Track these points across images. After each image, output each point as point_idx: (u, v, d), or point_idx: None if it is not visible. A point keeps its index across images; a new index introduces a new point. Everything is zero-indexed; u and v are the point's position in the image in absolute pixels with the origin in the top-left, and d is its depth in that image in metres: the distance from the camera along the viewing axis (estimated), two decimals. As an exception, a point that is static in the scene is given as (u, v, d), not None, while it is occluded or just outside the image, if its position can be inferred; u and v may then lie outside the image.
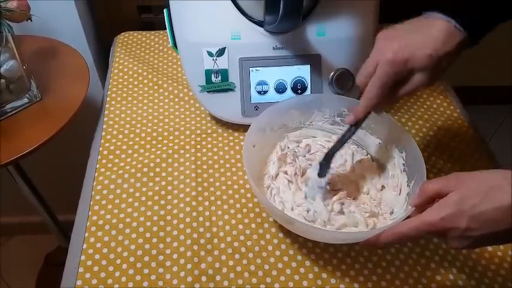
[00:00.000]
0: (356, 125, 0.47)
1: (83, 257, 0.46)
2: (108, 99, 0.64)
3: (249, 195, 0.52)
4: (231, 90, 0.57)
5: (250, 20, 0.55)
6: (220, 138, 0.59)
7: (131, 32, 0.76)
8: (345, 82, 0.57)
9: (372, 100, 0.43)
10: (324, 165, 0.48)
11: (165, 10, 0.58)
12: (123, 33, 0.76)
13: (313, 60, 0.57)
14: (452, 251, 0.48)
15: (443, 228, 0.35)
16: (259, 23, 0.55)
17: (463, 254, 0.48)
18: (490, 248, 0.48)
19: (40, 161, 0.92)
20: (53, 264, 1.11)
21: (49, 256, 1.11)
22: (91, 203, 0.51)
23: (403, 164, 0.50)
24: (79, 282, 0.44)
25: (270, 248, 0.47)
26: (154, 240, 0.47)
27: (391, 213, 0.47)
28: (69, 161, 0.89)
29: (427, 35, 0.41)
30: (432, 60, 0.40)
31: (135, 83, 0.66)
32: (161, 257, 0.46)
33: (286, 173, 0.50)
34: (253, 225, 0.49)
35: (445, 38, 0.40)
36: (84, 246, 0.47)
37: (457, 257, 0.47)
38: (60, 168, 0.97)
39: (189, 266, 0.45)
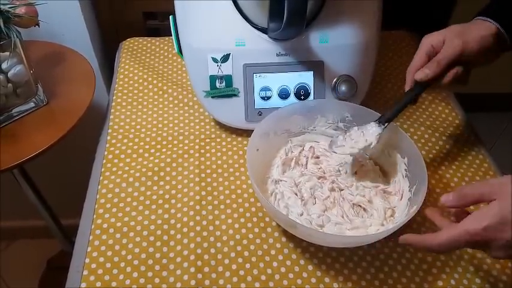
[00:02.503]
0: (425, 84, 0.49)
1: (87, 260, 0.46)
2: (113, 104, 0.65)
3: (252, 199, 0.53)
4: (235, 95, 0.58)
5: (254, 27, 0.56)
6: (224, 143, 0.60)
7: (137, 38, 0.77)
8: (347, 88, 0.58)
9: (440, 66, 0.47)
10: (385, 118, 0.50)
11: (170, 17, 0.60)
12: (128, 39, 0.77)
13: (316, 66, 0.58)
14: (454, 256, 0.48)
15: (486, 238, 0.34)
16: (263, 30, 0.56)
17: (464, 260, 0.48)
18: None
19: (45, 165, 0.92)
20: (55, 268, 1.11)
21: (51, 260, 1.11)
22: (96, 206, 0.51)
23: (405, 169, 0.50)
24: (83, 285, 0.44)
25: (272, 252, 0.48)
26: (158, 243, 0.48)
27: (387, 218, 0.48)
28: (73, 165, 0.90)
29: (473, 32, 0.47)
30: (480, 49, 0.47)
31: (140, 88, 0.67)
32: (165, 260, 0.46)
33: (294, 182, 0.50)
34: (256, 230, 0.50)
35: (488, 37, 0.46)
36: (89, 249, 0.47)
37: (458, 263, 0.48)
38: (64, 173, 0.97)
39: (192, 269, 0.46)
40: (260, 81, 0.57)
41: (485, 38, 0.47)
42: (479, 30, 0.47)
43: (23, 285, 1.12)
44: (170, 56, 0.74)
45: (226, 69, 0.57)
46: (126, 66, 0.71)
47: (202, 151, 0.58)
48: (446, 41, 0.48)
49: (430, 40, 0.50)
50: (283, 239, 0.49)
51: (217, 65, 0.56)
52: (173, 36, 0.57)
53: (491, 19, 0.48)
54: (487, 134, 0.71)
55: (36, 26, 0.59)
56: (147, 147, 0.58)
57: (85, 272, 0.45)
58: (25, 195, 0.81)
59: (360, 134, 0.52)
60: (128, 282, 0.45)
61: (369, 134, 0.51)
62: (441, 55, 0.48)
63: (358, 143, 0.51)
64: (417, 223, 0.51)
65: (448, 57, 0.47)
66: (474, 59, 0.48)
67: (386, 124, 0.50)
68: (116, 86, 0.68)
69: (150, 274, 0.45)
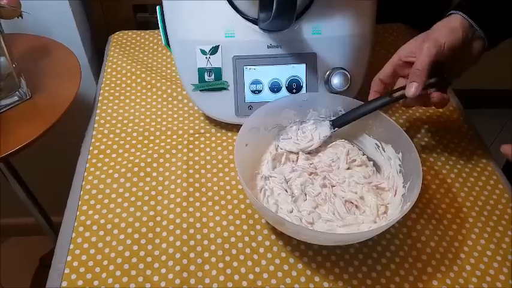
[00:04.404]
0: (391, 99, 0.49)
1: (69, 258, 0.45)
2: (100, 98, 0.63)
3: (241, 196, 0.51)
4: (225, 89, 0.56)
5: (244, 18, 0.54)
6: (213, 138, 0.58)
7: (126, 31, 0.75)
8: (341, 81, 0.56)
9: (423, 73, 0.45)
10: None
11: (157, 7, 0.58)
12: (117, 32, 0.75)
13: (309, 58, 0.56)
14: (450, 255, 0.46)
15: None
16: (254, 21, 0.54)
17: (460, 259, 0.46)
18: (489, 253, 0.47)
19: (34, 162, 0.91)
20: (48, 266, 1.09)
21: (44, 258, 1.10)
22: (79, 202, 0.50)
23: (400, 165, 0.48)
24: (64, 284, 0.43)
25: (261, 250, 0.46)
26: (143, 241, 0.46)
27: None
28: (63, 162, 0.88)
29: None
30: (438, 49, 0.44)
31: (128, 82, 0.65)
32: (149, 259, 0.45)
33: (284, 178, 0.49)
34: (245, 227, 0.48)
35: (458, 29, 0.44)
36: (71, 246, 0.46)
37: (454, 261, 0.46)
38: (55, 170, 0.96)
39: (177, 268, 0.44)
40: (251, 74, 0.56)
41: (455, 30, 0.45)
42: (447, 24, 0.45)
43: (15, 283, 1.11)
44: (160, 49, 0.72)
45: (215, 61, 0.55)
46: (114, 60, 0.69)
47: (191, 146, 0.56)
48: (417, 50, 0.46)
49: (398, 53, 0.49)
50: (273, 237, 0.47)
51: (206, 57, 0.55)
52: (160, 28, 0.55)
53: (461, 12, 0.45)
54: (487, 130, 0.69)
55: (20, 18, 0.58)
56: (133, 142, 0.56)
57: (66, 270, 0.44)
58: (16, 193, 0.80)
59: (313, 129, 0.52)
60: (110, 281, 0.43)
61: (317, 133, 0.51)
62: (418, 63, 0.45)
63: (303, 141, 0.51)
64: (412, 220, 0.49)
65: (426, 61, 0.45)
66: (451, 58, 0.46)
67: (335, 129, 0.51)
68: (104, 79, 0.66)
69: (133, 273, 0.44)
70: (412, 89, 0.46)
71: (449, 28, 0.45)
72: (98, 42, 0.88)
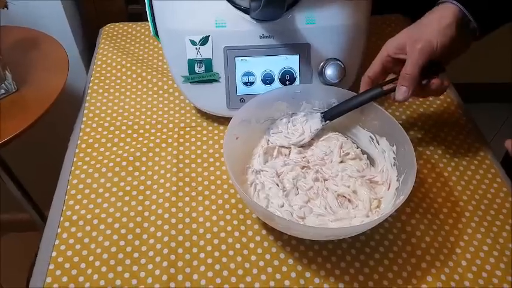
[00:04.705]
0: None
1: (54, 253, 0.44)
2: (89, 91, 0.62)
3: (232, 190, 0.50)
4: (216, 81, 0.54)
5: (235, 7, 0.52)
6: (204, 132, 0.57)
7: (117, 24, 0.74)
8: (335, 73, 0.54)
9: (414, 79, 0.44)
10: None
11: (146, -4, 0.56)
12: (108, 24, 0.74)
13: (302, 49, 0.54)
14: (445, 250, 0.45)
15: None
16: (246, 10, 0.52)
17: (456, 254, 0.45)
18: (485, 248, 0.46)
19: (26, 157, 0.90)
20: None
21: (39, 253, 1.09)
22: (66, 197, 0.49)
23: (394, 157, 0.47)
24: (49, 280, 0.42)
25: (251, 245, 0.45)
26: (130, 236, 0.45)
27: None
28: (54, 156, 0.87)
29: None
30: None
31: (118, 74, 0.64)
32: (136, 255, 0.44)
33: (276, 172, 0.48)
34: (235, 222, 0.47)
35: (451, 25, 0.42)
36: (57, 242, 0.45)
37: (450, 257, 0.45)
38: (46, 164, 0.94)
39: (165, 263, 0.43)
40: (242, 65, 0.54)
41: (448, 27, 0.42)
42: (439, 20, 0.43)
43: (12, 278, 1.11)
44: (151, 41, 0.70)
45: (205, 52, 0.53)
46: (105, 52, 0.68)
47: (181, 140, 0.55)
48: (408, 49, 0.44)
49: (386, 48, 0.46)
50: (263, 232, 0.46)
51: (196, 48, 0.53)
52: (148, 17, 0.54)
53: (454, 1, 0.43)
54: (487, 125, 0.68)
55: (5, 8, 0.56)
56: (122, 136, 0.55)
57: (51, 266, 0.43)
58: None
59: (303, 121, 0.51)
60: (95, 277, 0.42)
61: (308, 126, 0.50)
62: (409, 67, 0.43)
63: (294, 135, 0.50)
64: (406, 214, 0.48)
65: (417, 65, 0.43)
66: (445, 55, 0.44)
67: (327, 122, 0.50)
68: (93, 72, 0.65)
69: (119, 269, 0.42)
70: (402, 94, 0.44)
71: (443, 25, 0.43)
72: (90, 35, 0.86)
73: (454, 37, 0.43)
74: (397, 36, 0.46)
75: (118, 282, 0.41)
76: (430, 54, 0.43)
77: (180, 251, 0.44)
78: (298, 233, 0.42)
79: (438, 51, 0.43)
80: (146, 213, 0.47)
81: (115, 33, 0.72)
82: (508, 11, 0.43)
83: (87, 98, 0.60)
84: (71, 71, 0.67)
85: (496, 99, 1.45)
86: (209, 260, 0.43)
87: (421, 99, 0.62)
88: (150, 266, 0.43)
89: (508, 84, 1.41)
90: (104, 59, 0.67)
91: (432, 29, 0.43)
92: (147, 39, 0.71)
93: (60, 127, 0.74)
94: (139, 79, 0.63)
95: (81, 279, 0.42)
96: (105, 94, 0.61)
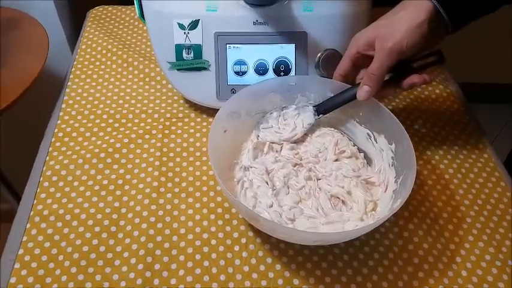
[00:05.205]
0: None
1: (21, 251, 0.40)
2: (71, 76, 0.58)
3: (218, 188, 0.46)
4: (205, 69, 0.51)
5: (228, -10, 0.49)
6: (192, 124, 0.53)
7: (106, 7, 0.70)
8: (333, 64, 0.51)
9: (379, 78, 0.42)
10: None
11: (132, -24, 0.52)
12: (96, 7, 0.70)
13: (299, 38, 0.51)
14: (445, 258, 0.42)
15: None
16: (239, -6, 0.49)
17: (456, 263, 0.42)
18: (488, 257, 0.42)
19: (8, 146, 0.86)
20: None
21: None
22: (37, 190, 0.45)
23: (392, 157, 0.44)
24: (13, 280, 0.38)
25: (236, 248, 0.41)
26: (104, 235, 0.41)
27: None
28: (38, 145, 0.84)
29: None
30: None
31: (103, 59, 0.60)
32: (110, 255, 0.40)
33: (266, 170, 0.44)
34: (220, 222, 0.43)
35: (423, 24, 0.39)
36: (24, 238, 0.41)
37: (449, 266, 0.41)
38: (30, 153, 0.91)
39: (140, 266, 0.39)
40: (234, 53, 0.51)
41: (419, 25, 0.39)
42: (411, 18, 0.40)
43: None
44: (140, 25, 0.66)
45: (194, 37, 0.50)
46: (90, 36, 0.64)
47: (167, 131, 0.52)
48: (376, 47, 0.41)
49: (356, 43, 0.44)
50: (250, 234, 0.43)
51: (185, 33, 0.49)
52: (134, -2, 0.50)
53: None
54: (488, 126, 0.65)
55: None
56: (103, 125, 0.51)
57: (16, 265, 0.39)
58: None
59: (295, 115, 0.48)
60: (64, 278, 0.38)
61: (300, 120, 0.47)
62: (375, 67, 0.41)
63: (285, 130, 0.47)
64: (404, 218, 0.45)
65: (384, 67, 0.41)
66: (414, 52, 0.42)
67: (320, 116, 0.47)
68: (77, 57, 0.61)
69: (91, 270, 0.39)
70: (364, 94, 0.43)
71: (414, 24, 0.40)
72: (77, 18, 0.82)
73: (425, 35, 0.40)
74: (365, 31, 0.43)
75: (88, 284, 0.38)
76: (399, 55, 0.41)
77: (158, 252, 0.40)
78: (285, 237, 0.39)
79: (408, 50, 0.41)
80: (123, 210, 0.44)
81: (103, 16, 0.68)
82: (481, 7, 0.40)
83: (68, 83, 0.57)
84: (57, 55, 0.63)
85: (497, 100, 1.42)
86: (189, 264, 0.40)
87: (424, 95, 0.59)
88: (125, 268, 0.39)
89: (510, 85, 1.38)
90: (89, 43, 0.63)
91: (402, 27, 0.40)
92: (136, 23, 0.67)
93: (45, 115, 0.71)
94: (125, 65, 0.59)
95: (48, 280, 0.38)
96: (88, 80, 0.57)
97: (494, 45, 1.16)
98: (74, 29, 0.82)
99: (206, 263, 0.40)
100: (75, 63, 0.60)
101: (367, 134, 0.47)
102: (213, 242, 0.42)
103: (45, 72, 0.73)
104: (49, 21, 0.70)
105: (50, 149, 0.49)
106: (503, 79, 1.36)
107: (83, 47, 0.62)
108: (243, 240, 0.42)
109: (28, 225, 0.42)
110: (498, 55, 1.18)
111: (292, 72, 0.52)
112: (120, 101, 0.55)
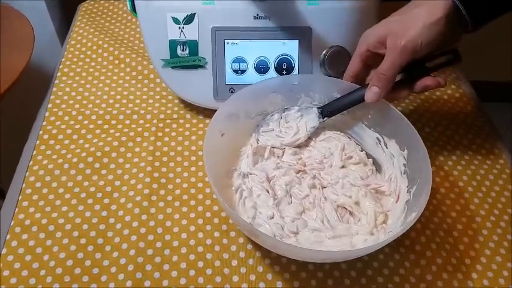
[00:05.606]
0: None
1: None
2: (59, 74, 0.54)
3: (215, 195, 0.43)
4: (201, 67, 0.48)
5: (226, -19, 0.45)
6: (187, 125, 0.50)
7: (97, 0, 0.66)
8: (339, 62, 0.47)
9: (390, 80, 0.39)
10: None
11: (123, -34, 0.49)
12: (87, 0, 0.66)
13: (303, 34, 0.48)
14: (460, 275, 0.39)
15: None
16: (238, -15, 0.45)
17: (472, 279, 0.38)
18: (505, 273, 0.39)
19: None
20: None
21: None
22: (19, 197, 0.42)
23: (404, 164, 0.40)
24: (-11, 298, 0.35)
25: (234, 263, 0.38)
26: (90, 248, 0.38)
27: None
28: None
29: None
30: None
31: (93, 56, 0.57)
32: (96, 270, 0.37)
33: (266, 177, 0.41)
34: (216, 234, 0.40)
35: (439, 21, 0.36)
36: (4, 251, 0.38)
37: (465, 282, 0.38)
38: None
39: (128, 283, 0.36)
40: (233, 49, 0.47)
41: (436, 23, 0.36)
42: (428, 14, 0.37)
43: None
44: (133, 20, 0.63)
45: (190, 33, 0.46)
46: (80, 31, 0.60)
47: (160, 134, 0.48)
48: (388, 45, 0.38)
49: (365, 41, 0.40)
50: (249, 247, 0.39)
51: (179, 28, 0.46)
52: (124, -11, 0.47)
53: None
54: (499, 125, 0.61)
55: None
56: (91, 126, 0.48)
57: (-6, 282, 0.36)
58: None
59: (297, 117, 0.45)
60: (45, 296, 0.35)
61: (304, 123, 0.44)
62: (386, 67, 0.38)
63: (287, 133, 0.44)
64: (416, 231, 0.41)
65: (395, 67, 0.38)
66: (430, 52, 0.38)
67: (325, 118, 0.44)
68: (65, 53, 0.57)
69: (75, 286, 0.36)
70: (372, 95, 0.40)
71: (431, 21, 0.36)
72: (67, 13, 0.78)
73: (442, 33, 0.37)
74: (376, 27, 0.40)
75: (71, 303, 0.35)
76: (412, 53, 0.37)
77: (148, 268, 0.37)
78: (287, 254, 0.36)
79: (422, 49, 0.37)
80: (111, 220, 0.40)
81: (94, 9, 0.65)
82: (504, 3, 0.37)
83: (56, 81, 0.53)
84: (46, 51, 0.59)
85: (505, 98, 1.38)
86: (182, 280, 0.37)
87: (435, 96, 0.55)
88: (112, 285, 0.36)
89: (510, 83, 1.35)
90: (79, 38, 0.59)
91: (417, 24, 0.37)
92: (129, 17, 0.64)
93: (33, 114, 0.68)
94: (117, 62, 0.56)
95: (28, 298, 0.35)
96: (76, 78, 0.54)
97: (495, 43, 1.13)
98: (64, 22, 0.79)
99: (201, 280, 0.37)
100: (63, 59, 0.56)
101: (377, 138, 0.44)
102: (209, 256, 0.38)
103: (33, 67, 0.70)
104: (38, 15, 0.67)
105: (34, 152, 0.45)
106: (504, 77, 1.33)
107: (72, 42, 0.59)
108: (242, 255, 0.39)
109: (8, 236, 0.39)
110: (502, 53, 1.15)
111: (295, 71, 0.49)
112: (111, 101, 0.51)
